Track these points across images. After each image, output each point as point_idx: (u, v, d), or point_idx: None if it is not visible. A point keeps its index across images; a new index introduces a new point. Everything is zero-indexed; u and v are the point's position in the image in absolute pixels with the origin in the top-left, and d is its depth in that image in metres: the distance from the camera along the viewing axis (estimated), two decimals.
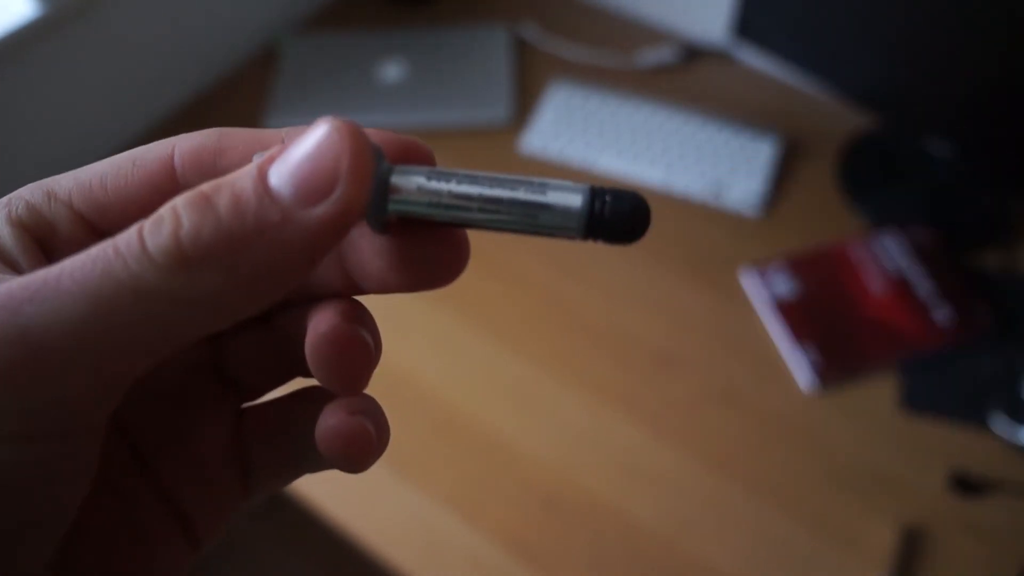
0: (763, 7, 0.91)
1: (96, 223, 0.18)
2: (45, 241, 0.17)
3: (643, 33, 1.11)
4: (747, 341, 0.82)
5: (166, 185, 0.18)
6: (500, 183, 0.17)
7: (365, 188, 0.15)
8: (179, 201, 0.15)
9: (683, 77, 1.05)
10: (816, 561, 0.69)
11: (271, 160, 0.15)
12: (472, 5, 1.15)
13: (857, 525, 0.71)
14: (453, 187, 0.17)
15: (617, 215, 0.17)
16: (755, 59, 1.05)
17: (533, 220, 0.17)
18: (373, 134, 0.17)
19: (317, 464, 0.20)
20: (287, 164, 0.15)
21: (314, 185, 0.15)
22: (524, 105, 1.02)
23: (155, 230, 0.14)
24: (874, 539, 0.70)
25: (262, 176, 0.15)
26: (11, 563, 0.15)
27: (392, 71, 1.05)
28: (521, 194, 0.17)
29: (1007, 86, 0.78)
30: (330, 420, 0.18)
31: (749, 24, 0.93)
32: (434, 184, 0.17)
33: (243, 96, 1.05)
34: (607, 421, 0.77)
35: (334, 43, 1.10)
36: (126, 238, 0.15)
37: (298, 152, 0.15)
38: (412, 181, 0.17)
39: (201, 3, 1.03)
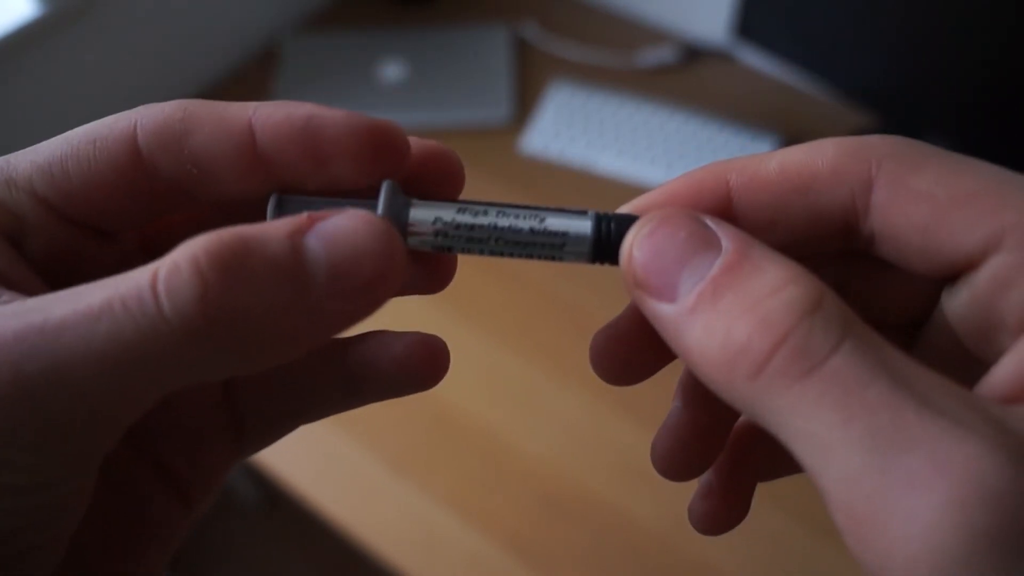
0: (763, 7, 0.91)
1: (62, 209, 0.17)
2: (13, 232, 0.17)
3: (643, 33, 1.11)
4: None
5: (131, 165, 0.17)
6: (513, 232, 0.18)
7: (391, 295, 0.15)
8: (199, 253, 0.14)
9: (683, 77, 1.05)
10: (816, 561, 0.69)
11: (301, 231, 0.15)
12: (472, 5, 1.15)
13: None
14: (462, 244, 0.18)
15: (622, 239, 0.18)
16: (755, 59, 1.05)
17: (541, 253, 0.18)
18: (386, 129, 0.17)
19: (317, 412, 0.20)
20: (325, 250, 0.15)
21: (348, 283, 0.15)
22: (524, 105, 1.02)
23: (174, 289, 0.13)
24: None
25: (299, 250, 0.14)
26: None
27: (392, 71, 1.05)
28: (529, 234, 0.18)
29: (1007, 85, 0.78)
30: (397, 345, 0.19)
31: (749, 24, 0.93)
32: (443, 241, 0.18)
33: (243, 96, 1.05)
34: (607, 420, 0.77)
35: (334, 43, 1.10)
36: (136, 292, 0.14)
37: (336, 238, 0.15)
38: (428, 228, 0.18)
39: (201, 3, 1.03)
